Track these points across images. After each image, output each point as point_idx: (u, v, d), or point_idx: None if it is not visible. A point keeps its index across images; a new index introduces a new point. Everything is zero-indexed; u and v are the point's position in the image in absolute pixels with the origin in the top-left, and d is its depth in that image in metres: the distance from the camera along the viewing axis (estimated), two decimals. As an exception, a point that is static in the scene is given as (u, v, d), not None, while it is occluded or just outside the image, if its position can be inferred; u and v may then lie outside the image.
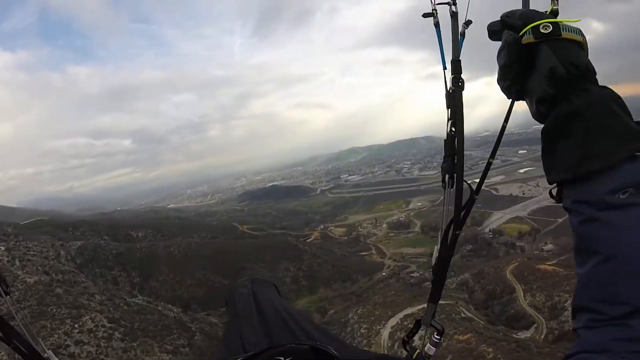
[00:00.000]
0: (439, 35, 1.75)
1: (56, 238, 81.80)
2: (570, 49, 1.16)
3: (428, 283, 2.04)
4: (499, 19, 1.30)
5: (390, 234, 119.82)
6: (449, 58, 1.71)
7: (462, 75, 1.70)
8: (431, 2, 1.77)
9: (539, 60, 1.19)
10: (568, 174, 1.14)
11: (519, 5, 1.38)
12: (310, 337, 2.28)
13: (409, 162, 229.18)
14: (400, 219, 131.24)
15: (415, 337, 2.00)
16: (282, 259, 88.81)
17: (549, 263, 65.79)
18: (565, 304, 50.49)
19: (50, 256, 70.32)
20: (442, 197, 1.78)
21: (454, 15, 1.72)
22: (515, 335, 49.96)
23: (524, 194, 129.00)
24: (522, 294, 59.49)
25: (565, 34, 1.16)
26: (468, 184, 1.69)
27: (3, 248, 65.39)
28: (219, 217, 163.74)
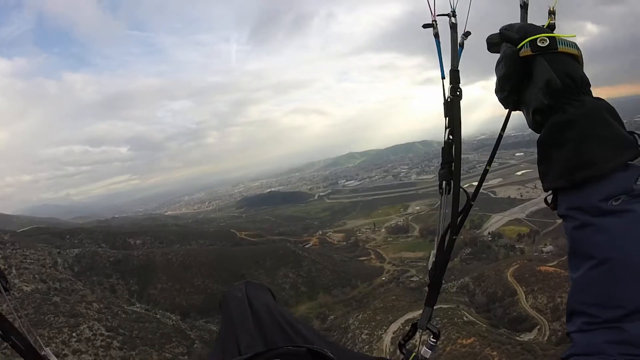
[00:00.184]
0: (438, 45, 1.81)
1: (53, 246, 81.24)
2: (566, 62, 1.21)
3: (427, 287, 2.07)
4: (498, 31, 1.36)
5: (389, 239, 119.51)
6: (447, 68, 1.78)
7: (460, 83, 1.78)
8: (431, 13, 1.81)
9: (535, 72, 1.24)
10: (563, 181, 1.18)
11: (516, 19, 1.45)
12: (306, 339, 2.29)
13: (407, 167, 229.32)
14: (399, 223, 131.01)
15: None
16: (281, 265, 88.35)
17: (549, 264, 65.53)
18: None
19: (47, 264, 69.71)
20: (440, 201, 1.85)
21: (454, 27, 1.79)
22: (518, 338, 49.69)
23: (521, 196, 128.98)
24: (523, 296, 59.22)
25: (561, 48, 1.21)
26: (465, 190, 1.77)
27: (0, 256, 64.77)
28: (217, 223, 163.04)
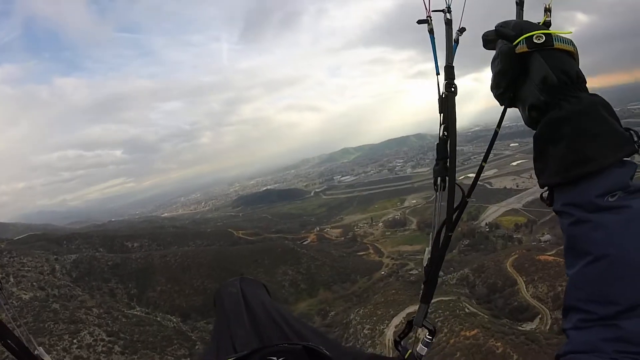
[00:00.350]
0: (432, 41, 1.80)
1: (50, 252, 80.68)
2: (562, 59, 1.21)
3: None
4: (493, 28, 1.36)
5: (387, 233, 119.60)
6: (441, 64, 1.80)
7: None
8: (426, 9, 1.82)
9: (531, 69, 1.24)
10: (559, 177, 1.19)
11: (511, 16, 1.46)
12: (302, 336, 2.28)
13: (402, 160, 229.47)
14: (396, 217, 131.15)
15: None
16: (280, 263, 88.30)
17: (548, 253, 65.74)
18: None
19: (45, 271, 69.25)
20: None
21: (449, 23, 1.80)
22: (520, 328, 49.79)
23: (517, 186, 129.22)
24: (524, 286, 59.34)
25: (557, 44, 1.22)
26: (460, 187, 1.78)
27: (-4, 265, 64.20)
28: (214, 223, 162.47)
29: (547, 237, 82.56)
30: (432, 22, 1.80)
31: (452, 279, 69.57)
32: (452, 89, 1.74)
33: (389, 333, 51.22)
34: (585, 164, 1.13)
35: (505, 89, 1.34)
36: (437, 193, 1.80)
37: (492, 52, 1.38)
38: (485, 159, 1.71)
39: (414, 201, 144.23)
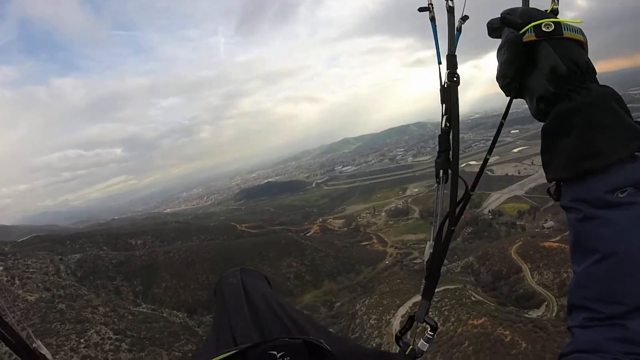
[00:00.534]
0: (434, 29, 1.75)
1: (54, 253, 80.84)
2: (571, 48, 1.17)
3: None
4: (499, 16, 1.30)
5: (390, 222, 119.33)
6: (443, 52, 1.72)
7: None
8: None
9: (540, 58, 1.19)
10: (567, 172, 1.15)
11: (513, 4, 1.38)
12: (302, 330, 2.27)
13: (402, 149, 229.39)
14: (399, 206, 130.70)
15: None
16: (284, 255, 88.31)
17: (552, 240, 65.45)
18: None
19: (50, 272, 69.34)
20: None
21: (451, 10, 1.72)
22: (527, 315, 49.72)
23: (519, 173, 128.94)
24: (529, 273, 59.13)
25: (567, 33, 1.17)
26: (463, 179, 1.71)
27: (1, 268, 64.45)
28: (217, 218, 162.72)
29: (550, 223, 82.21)
30: (434, 9, 1.73)
31: (456, 267, 69.55)
32: (455, 79, 1.66)
33: (396, 323, 51.16)
34: (595, 158, 1.08)
35: (512, 79, 1.28)
36: (439, 186, 1.74)
37: (495, 40, 1.32)
38: (490, 152, 1.61)
39: (416, 190, 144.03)
